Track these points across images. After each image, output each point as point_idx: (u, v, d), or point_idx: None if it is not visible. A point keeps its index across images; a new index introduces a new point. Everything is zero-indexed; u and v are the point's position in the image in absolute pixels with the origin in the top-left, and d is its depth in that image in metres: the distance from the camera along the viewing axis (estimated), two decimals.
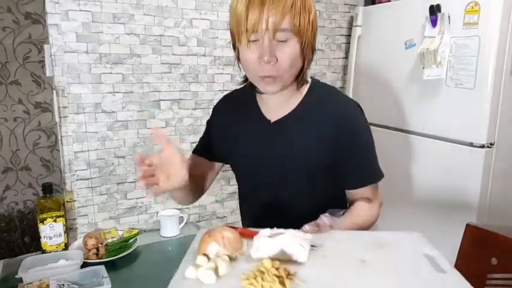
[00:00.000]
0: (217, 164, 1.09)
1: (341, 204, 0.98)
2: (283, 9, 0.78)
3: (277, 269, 0.62)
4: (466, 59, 1.53)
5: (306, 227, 0.80)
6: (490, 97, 1.49)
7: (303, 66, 0.88)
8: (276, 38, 0.80)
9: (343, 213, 0.89)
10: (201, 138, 1.10)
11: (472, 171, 1.55)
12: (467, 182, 1.57)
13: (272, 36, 0.79)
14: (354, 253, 0.72)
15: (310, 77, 0.97)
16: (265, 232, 0.73)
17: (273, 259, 0.65)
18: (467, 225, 1.29)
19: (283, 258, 0.68)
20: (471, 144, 1.55)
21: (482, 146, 1.53)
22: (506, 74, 1.50)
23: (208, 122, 1.10)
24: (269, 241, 0.69)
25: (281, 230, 0.73)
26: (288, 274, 0.62)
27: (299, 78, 0.90)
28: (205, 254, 0.70)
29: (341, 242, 0.78)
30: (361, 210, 0.94)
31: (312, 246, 0.73)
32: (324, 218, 0.83)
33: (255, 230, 0.78)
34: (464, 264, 1.21)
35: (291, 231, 0.73)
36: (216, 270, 0.65)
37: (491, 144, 1.53)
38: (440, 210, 1.66)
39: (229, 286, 0.62)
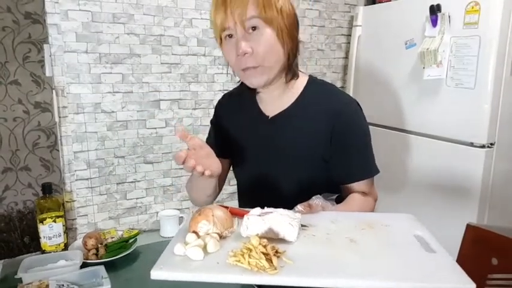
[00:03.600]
0: (227, 161, 1.09)
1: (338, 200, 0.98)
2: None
3: (264, 246, 0.63)
4: (467, 59, 1.53)
5: (299, 207, 0.82)
6: (490, 97, 1.49)
7: (288, 58, 0.90)
8: (247, 27, 0.83)
9: (336, 198, 0.90)
10: (208, 138, 1.11)
11: (472, 171, 1.55)
12: (468, 182, 1.57)
13: (242, 27, 0.83)
14: (344, 233, 0.73)
15: (309, 75, 0.99)
16: (255, 211, 0.73)
17: (262, 237, 0.66)
18: (468, 226, 1.28)
19: (273, 237, 0.68)
20: (471, 144, 1.55)
21: (483, 146, 1.52)
22: (507, 73, 1.49)
23: (211, 122, 1.12)
24: (258, 220, 0.70)
25: (271, 209, 0.74)
26: (276, 252, 0.63)
27: (287, 70, 0.92)
28: (195, 232, 0.70)
29: (332, 222, 0.78)
30: (356, 201, 0.94)
31: (302, 226, 0.74)
32: (316, 200, 0.84)
33: (246, 209, 0.78)
34: (465, 264, 1.20)
35: (280, 211, 0.73)
36: (204, 247, 0.65)
37: (491, 144, 1.53)
38: (441, 211, 1.65)
39: (217, 262, 0.62)
